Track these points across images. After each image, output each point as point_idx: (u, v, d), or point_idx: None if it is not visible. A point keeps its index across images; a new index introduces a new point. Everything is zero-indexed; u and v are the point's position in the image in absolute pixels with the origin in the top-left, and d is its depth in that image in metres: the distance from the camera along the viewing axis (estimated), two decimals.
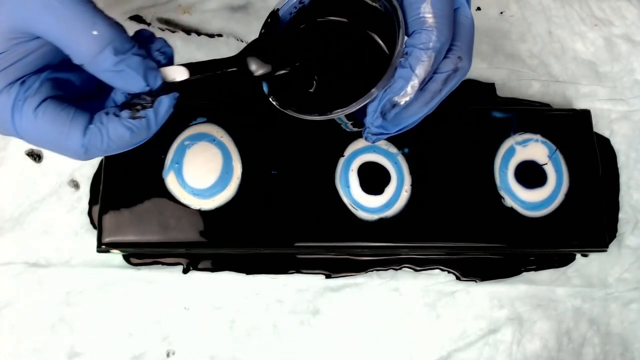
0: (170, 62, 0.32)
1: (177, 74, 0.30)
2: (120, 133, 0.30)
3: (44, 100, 0.29)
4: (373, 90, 0.35)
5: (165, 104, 0.31)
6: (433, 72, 0.34)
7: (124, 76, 0.29)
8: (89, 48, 0.28)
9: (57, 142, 0.30)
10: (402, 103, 0.34)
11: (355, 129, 0.41)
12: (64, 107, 0.30)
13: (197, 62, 0.31)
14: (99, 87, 0.33)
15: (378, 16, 0.38)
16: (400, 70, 0.34)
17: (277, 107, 0.37)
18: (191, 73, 0.31)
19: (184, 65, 0.31)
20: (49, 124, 0.29)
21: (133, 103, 0.30)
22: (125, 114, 0.30)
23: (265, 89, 0.37)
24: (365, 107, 0.35)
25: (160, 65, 0.31)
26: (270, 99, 0.37)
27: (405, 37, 0.34)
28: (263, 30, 0.37)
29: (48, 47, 0.30)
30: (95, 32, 0.29)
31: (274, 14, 0.38)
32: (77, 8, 0.29)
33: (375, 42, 0.40)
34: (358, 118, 0.38)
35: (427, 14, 0.33)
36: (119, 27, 0.30)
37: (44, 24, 0.28)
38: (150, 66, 0.30)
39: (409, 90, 0.34)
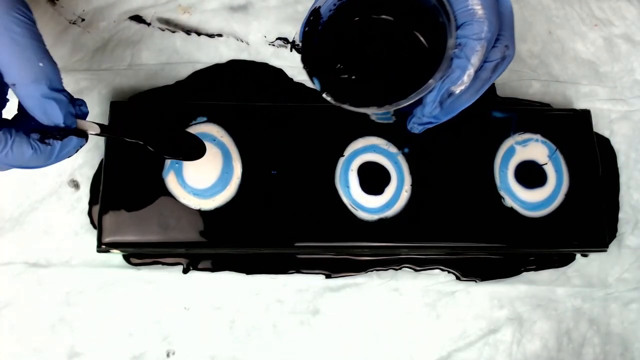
0: (84, 118, 0.36)
1: (91, 128, 0.35)
2: (23, 149, 0.32)
3: None
4: (431, 81, 0.36)
5: (73, 142, 0.34)
6: (484, 61, 0.37)
7: (48, 108, 0.33)
8: (29, 74, 0.32)
9: None
10: (457, 92, 0.37)
11: (383, 121, 0.44)
12: None
13: (109, 125, 0.36)
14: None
15: (419, 10, 0.39)
16: (456, 60, 0.36)
17: (332, 102, 0.38)
18: (102, 131, 0.36)
19: (97, 123, 0.36)
20: None
21: (45, 131, 0.33)
22: (35, 135, 0.33)
23: (317, 85, 0.38)
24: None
25: (77, 116, 0.35)
26: (323, 95, 0.38)
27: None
28: (307, 28, 0.38)
29: None
30: (41, 64, 0.32)
31: (315, 12, 0.38)
32: (33, 41, 0.32)
33: (416, 37, 0.41)
34: (401, 110, 0.40)
35: (476, 5, 0.35)
36: (58, 71, 0.33)
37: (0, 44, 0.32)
38: (70, 110, 0.34)
39: (465, 79, 0.36)
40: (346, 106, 0.38)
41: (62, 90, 0.33)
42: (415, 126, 0.41)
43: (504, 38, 0.37)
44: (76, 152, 0.35)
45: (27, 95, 0.32)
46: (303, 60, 0.39)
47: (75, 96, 0.36)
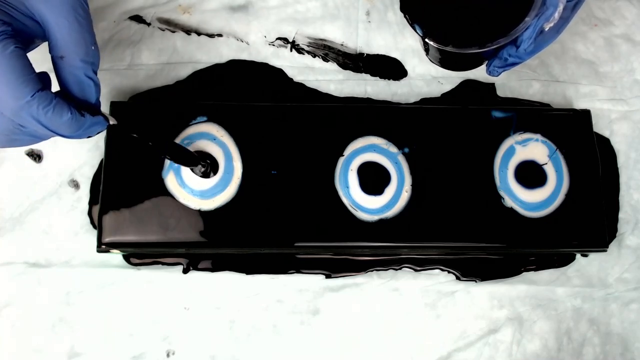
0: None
1: (110, 119, 0.38)
2: (63, 111, 0.35)
3: (17, 47, 0.34)
4: (527, 19, 0.38)
5: (100, 121, 0.37)
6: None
7: (86, 86, 0.37)
8: (80, 52, 0.36)
9: (6, 82, 0.33)
10: (547, 29, 0.39)
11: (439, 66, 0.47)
12: (29, 63, 0.34)
13: (122, 123, 0.39)
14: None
15: None
16: None
17: (435, 46, 0.40)
18: (118, 124, 0.39)
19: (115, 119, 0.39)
20: (10, 65, 0.33)
21: (80, 105, 0.37)
22: (74, 105, 0.36)
23: (419, 31, 0.40)
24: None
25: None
26: (426, 40, 0.40)
27: None
28: None
29: (37, 30, 0.36)
30: (92, 47, 0.37)
31: None
32: (90, 26, 0.37)
33: None
34: (483, 55, 0.42)
35: None
36: (99, 59, 0.38)
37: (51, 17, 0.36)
38: (99, 94, 0.38)
39: (556, 16, 0.38)
40: (449, 48, 0.40)
41: (97, 77, 0.37)
42: (496, 70, 0.42)
43: None
44: (97, 133, 0.38)
45: (71, 70, 0.36)
46: (402, 8, 0.41)
47: None
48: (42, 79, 0.36)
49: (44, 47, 0.37)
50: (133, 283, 0.46)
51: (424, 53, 0.49)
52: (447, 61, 0.47)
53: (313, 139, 0.46)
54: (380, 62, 0.51)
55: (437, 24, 0.40)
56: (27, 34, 0.36)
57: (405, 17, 0.41)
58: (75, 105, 0.36)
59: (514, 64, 0.42)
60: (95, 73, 0.37)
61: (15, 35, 0.34)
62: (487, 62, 0.43)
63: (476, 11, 0.41)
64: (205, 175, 0.44)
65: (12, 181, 0.47)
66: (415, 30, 0.40)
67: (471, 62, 0.46)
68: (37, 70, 0.36)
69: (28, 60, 0.34)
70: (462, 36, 0.40)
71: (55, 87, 0.37)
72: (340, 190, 0.45)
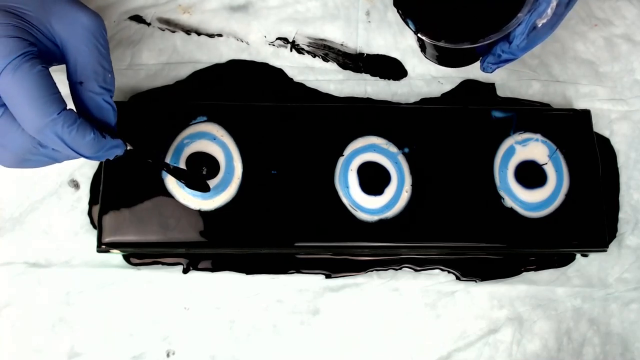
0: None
1: (127, 145, 0.39)
2: (86, 131, 0.36)
3: (43, 66, 0.35)
4: (520, 14, 0.38)
5: (119, 144, 0.38)
6: None
7: (104, 111, 0.38)
8: (99, 78, 0.37)
9: (32, 101, 0.34)
10: (539, 25, 0.39)
11: (434, 62, 0.47)
12: (54, 82, 0.35)
13: (137, 149, 0.41)
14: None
15: None
16: None
17: (427, 41, 0.40)
18: (133, 150, 0.40)
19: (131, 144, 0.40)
20: (37, 84, 0.34)
21: (102, 127, 0.38)
22: (96, 126, 0.37)
23: (412, 26, 0.40)
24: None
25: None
26: (419, 35, 0.40)
27: None
28: None
29: (56, 53, 0.38)
30: (110, 75, 0.38)
31: None
32: (109, 56, 0.39)
33: None
34: (477, 51, 0.42)
35: None
36: (114, 86, 0.40)
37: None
38: (116, 119, 0.39)
39: (549, 12, 0.38)
40: (442, 43, 0.40)
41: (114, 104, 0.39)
42: (490, 66, 0.42)
43: None
44: (114, 156, 0.39)
45: (90, 95, 0.37)
46: (395, 3, 0.41)
47: None
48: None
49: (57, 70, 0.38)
50: (133, 283, 0.46)
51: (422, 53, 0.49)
52: (443, 58, 0.47)
53: (313, 139, 0.46)
54: (380, 62, 0.51)
55: (429, 19, 0.41)
56: (48, 56, 0.37)
57: (398, 12, 0.41)
58: (97, 127, 0.37)
59: (507, 61, 0.42)
60: (112, 97, 0.38)
61: (40, 56, 0.35)
62: (481, 58, 0.44)
63: (469, 7, 0.41)
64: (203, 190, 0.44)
65: (12, 181, 0.47)
66: (408, 25, 0.40)
67: (467, 59, 0.46)
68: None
69: (53, 80, 0.35)
70: (454, 31, 0.40)
71: None
72: (340, 191, 0.45)
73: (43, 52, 0.37)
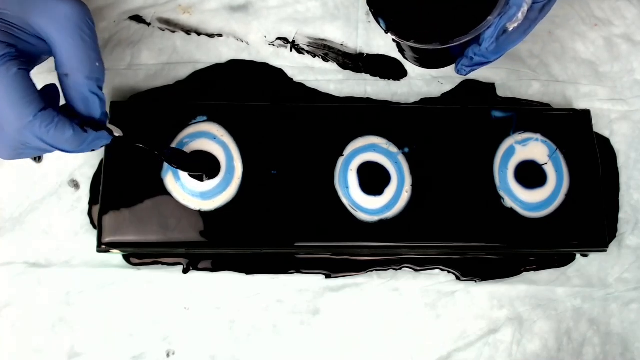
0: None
1: (115, 131, 0.40)
2: (65, 129, 0.36)
3: (20, 68, 0.35)
4: (489, 17, 0.38)
5: (104, 135, 0.38)
6: (532, 2, 0.39)
7: (90, 102, 0.37)
8: (85, 69, 0.37)
9: (10, 103, 0.34)
10: (510, 29, 0.39)
11: (416, 64, 0.47)
12: (32, 83, 0.35)
13: (127, 135, 0.41)
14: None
15: None
16: None
17: (397, 40, 0.41)
18: (123, 136, 0.41)
19: (121, 130, 0.41)
20: (13, 86, 0.34)
21: (84, 121, 0.38)
22: (77, 120, 0.37)
23: (382, 25, 0.41)
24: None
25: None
26: (389, 34, 0.41)
27: None
28: None
29: (43, 47, 0.37)
30: (97, 64, 0.38)
31: None
32: (95, 44, 0.38)
33: None
34: (452, 52, 0.42)
35: None
36: (104, 74, 0.39)
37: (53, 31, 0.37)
38: (104, 109, 0.39)
39: (520, 16, 0.38)
40: (411, 43, 0.40)
41: (102, 92, 0.38)
42: (464, 68, 0.43)
43: None
44: (101, 147, 0.39)
45: (76, 86, 0.37)
46: (368, 2, 0.41)
47: None
48: (50, 93, 0.37)
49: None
50: (133, 283, 0.46)
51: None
52: (420, 59, 0.47)
53: (313, 139, 0.46)
54: (380, 62, 0.51)
55: (401, 19, 0.41)
56: (33, 53, 0.37)
57: (370, 10, 0.41)
58: (80, 121, 0.37)
59: (480, 64, 0.42)
60: (101, 88, 0.38)
61: (19, 56, 0.35)
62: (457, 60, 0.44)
63: (440, 8, 0.41)
64: (200, 179, 0.44)
65: (12, 181, 0.47)
66: (379, 24, 0.41)
67: (443, 60, 0.47)
68: (46, 82, 0.37)
69: (31, 81, 0.35)
70: (424, 32, 0.40)
71: (63, 99, 0.38)
72: (340, 191, 0.45)
73: (26, 50, 0.36)
